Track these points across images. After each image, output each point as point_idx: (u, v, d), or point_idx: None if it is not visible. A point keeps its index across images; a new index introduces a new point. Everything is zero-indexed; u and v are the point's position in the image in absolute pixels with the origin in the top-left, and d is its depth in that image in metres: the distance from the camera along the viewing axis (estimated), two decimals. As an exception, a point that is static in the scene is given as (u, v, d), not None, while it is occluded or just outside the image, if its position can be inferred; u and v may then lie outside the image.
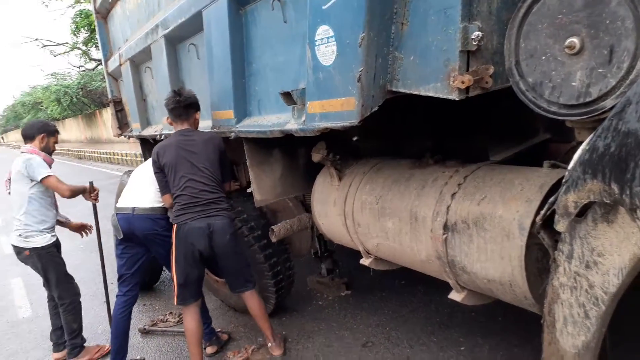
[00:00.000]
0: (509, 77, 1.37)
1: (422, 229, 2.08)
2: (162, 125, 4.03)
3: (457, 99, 1.52)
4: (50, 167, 3.30)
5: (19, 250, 3.27)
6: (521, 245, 1.66)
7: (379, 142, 3.01)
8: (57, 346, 3.56)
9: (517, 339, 2.88)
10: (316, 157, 2.65)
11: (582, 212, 1.17)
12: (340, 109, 1.89)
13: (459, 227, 1.91)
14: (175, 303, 2.92)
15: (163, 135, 3.92)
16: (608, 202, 1.07)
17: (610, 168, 1.04)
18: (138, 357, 3.35)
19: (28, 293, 5.12)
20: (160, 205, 3.01)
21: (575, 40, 1.16)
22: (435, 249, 2.02)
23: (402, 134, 2.95)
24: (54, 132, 3.47)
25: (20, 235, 3.22)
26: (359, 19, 1.67)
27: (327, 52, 1.88)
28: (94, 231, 3.85)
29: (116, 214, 3.04)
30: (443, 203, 1.99)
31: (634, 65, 1.08)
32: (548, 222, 1.28)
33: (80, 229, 3.77)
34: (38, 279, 5.46)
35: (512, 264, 1.71)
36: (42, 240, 3.25)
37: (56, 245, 3.38)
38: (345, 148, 2.77)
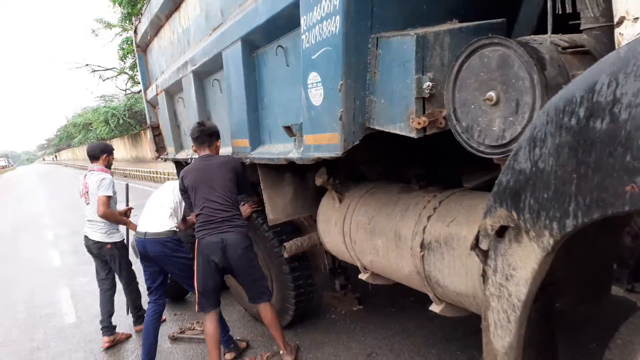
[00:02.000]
0: (449, 121, 1.64)
1: (404, 247, 2.34)
2: (191, 150, 4.46)
3: (415, 137, 1.80)
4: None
5: (100, 245, 4.11)
6: (479, 262, 1.90)
7: (381, 167, 3.28)
8: (107, 330, 4.22)
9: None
10: (319, 181, 2.96)
11: (502, 233, 1.42)
12: (328, 142, 2.20)
13: (433, 246, 2.16)
14: (196, 310, 3.28)
15: (193, 159, 4.33)
16: (512, 225, 1.32)
17: (510, 198, 1.30)
18: None
19: (74, 302, 5.63)
20: (168, 229, 3.47)
21: (492, 93, 1.43)
22: (415, 265, 2.28)
23: (401, 160, 3.22)
24: (112, 152, 4.37)
25: (105, 232, 4.10)
26: (338, 69, 1.99)
27: (316, 95, 2.20)
28: None
29: (135, 237, 3.52)
30: (421, 224, 2.25)
31: (532, 116, 1.34)
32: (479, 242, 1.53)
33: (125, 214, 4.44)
34: (83, 289, 6.03)
35: (474, 278, 1.95)
36: (119, 236, 4.21)
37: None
38: (348, 173, 3.07)
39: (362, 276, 2.91)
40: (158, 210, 3.58)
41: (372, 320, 3.92)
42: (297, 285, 3.63)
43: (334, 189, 2.95)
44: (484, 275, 1.54)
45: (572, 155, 1.10)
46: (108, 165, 4.27)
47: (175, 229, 3.53)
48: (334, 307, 4.26)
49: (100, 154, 4.22)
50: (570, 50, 1.36)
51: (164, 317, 4.24)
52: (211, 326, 3.17)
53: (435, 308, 2.34)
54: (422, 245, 2.21)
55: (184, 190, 3.27)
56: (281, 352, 3.41)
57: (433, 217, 2.22)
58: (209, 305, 3.18)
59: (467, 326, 3.48)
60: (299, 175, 3.36)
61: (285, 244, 3.43)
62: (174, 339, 4.13)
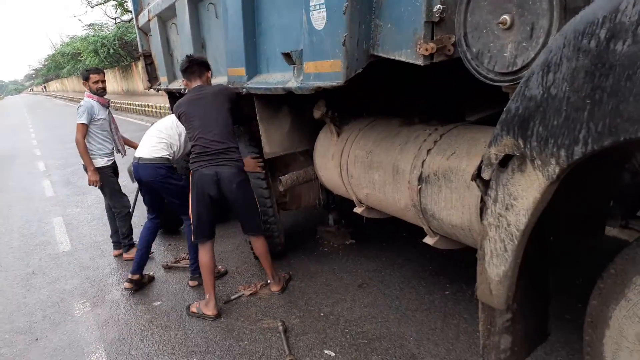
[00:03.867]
0: (458, 46, 1.57)
1: (402, 180, 2.34)
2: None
3: (422, 65, 1.74)
4: (105, 106, 4.33)
5: (85, 167, 4.28)
6: (477, 195, 1.90)
7: (381, 101, 3.22)
8: (116, 244, 4.69)
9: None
10: (317, 113, 2.90)
11: (505, 163, 1.40)
12: (329, 70, 2.13)
13: (431, 179, 2.16)
14: (192, 240, 3.32)
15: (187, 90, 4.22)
16: (517, 154, 1.30)
17: (518, 126, 1.27)
18: (151, 273, 4.04)
19: (68, 230, 5.68)
20: (159, 156, 3.47)
21: (507, 17, 1.36)
22: (411, 198, 2.28)
23: (402, 94, 3.15)
24: (88, 76, 4.27)
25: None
26: (344, -12, 1.88)
27: (319, 18, 2.10)
28: None
29: (132, 162, 3.61)
30: (420, 158, 2.24)
31: (547, 41, 1.28)
32: (481, 172, 1.51)
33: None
34: (77, 219, 6.06)
35: (470, 211, 1.96)
36: (100, 162, 4.24)
37: (113, 167, 4.39)
38: (347, 106, 3.00)
39: (357, 210, 2.93)
40: (153, 138, 3.58)
41: (364, 253, 4.01)
42: None
43: (333, 122, 2.90)
44: (482, 205, 1.54)
45: (588, 79, 1.06)
46: (93, 92, 4.26)
47: (168, 157, 3.53)
48: (327, 240, 4.34)
49: (83, 80, 4.35)
50: (592, -29, 1.28)
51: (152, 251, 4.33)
52: (206, 256, 3.21)
53: (429, 240, 2.38)
54: (420, 179, 2.20)
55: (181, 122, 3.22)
56: (269, 281, 3.51)
57: (433, 150, 2.19)
58: (203, 237, 3.21)
59: (457, 263, 3.58)
60: (297, 107, 3.29)
61: (281, 177, 3.42)
62: (168, 268, 4.21)
